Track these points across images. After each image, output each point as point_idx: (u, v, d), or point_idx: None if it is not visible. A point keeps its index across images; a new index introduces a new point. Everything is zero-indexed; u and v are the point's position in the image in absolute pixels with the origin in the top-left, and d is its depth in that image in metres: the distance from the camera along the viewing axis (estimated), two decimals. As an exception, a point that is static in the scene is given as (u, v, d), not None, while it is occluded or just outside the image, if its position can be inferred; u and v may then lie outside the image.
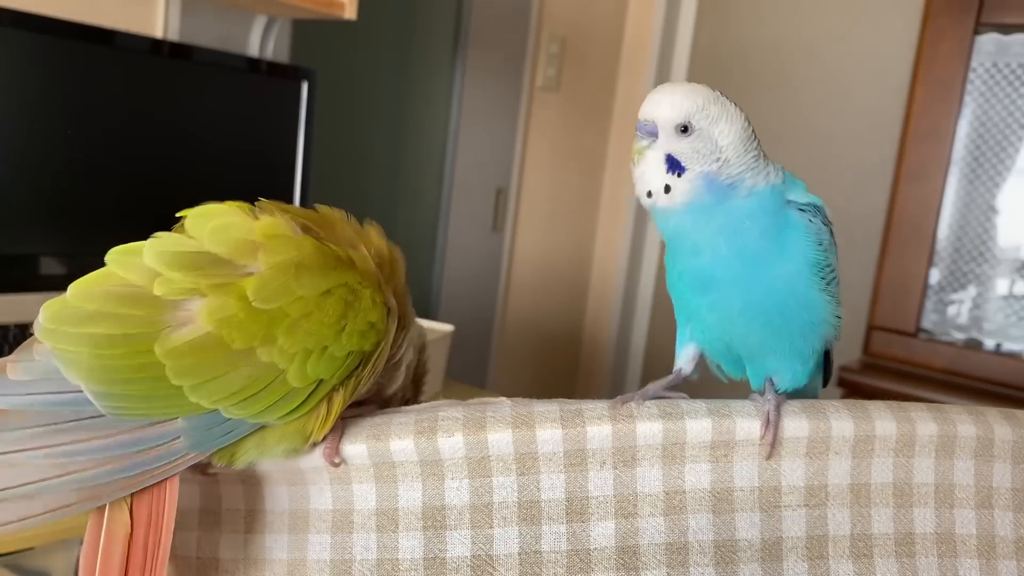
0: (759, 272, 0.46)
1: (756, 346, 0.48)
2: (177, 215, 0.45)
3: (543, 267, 2.11)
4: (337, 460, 0.46)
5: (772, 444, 0.46)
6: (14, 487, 0.39)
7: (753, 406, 0.47)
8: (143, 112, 1.15)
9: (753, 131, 0.48)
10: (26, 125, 1.04)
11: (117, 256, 0.43)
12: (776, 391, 0.48)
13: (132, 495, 0.42)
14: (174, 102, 1.18)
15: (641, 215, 2.21)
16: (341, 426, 0.47)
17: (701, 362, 0.51)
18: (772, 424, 0.46)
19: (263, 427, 0.44)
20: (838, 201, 1.92)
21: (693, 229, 0.46)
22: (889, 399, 0.50)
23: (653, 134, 0.46)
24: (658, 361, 2.25)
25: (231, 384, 0.42)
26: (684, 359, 0.51)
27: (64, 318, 0.41)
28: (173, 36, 1.28)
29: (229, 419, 0.42)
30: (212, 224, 0.43)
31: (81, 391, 0.41)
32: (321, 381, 0.44)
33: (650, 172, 0.46)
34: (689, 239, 0.47)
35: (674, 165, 0.46)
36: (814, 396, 0.53)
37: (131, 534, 0.42)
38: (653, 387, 0.48)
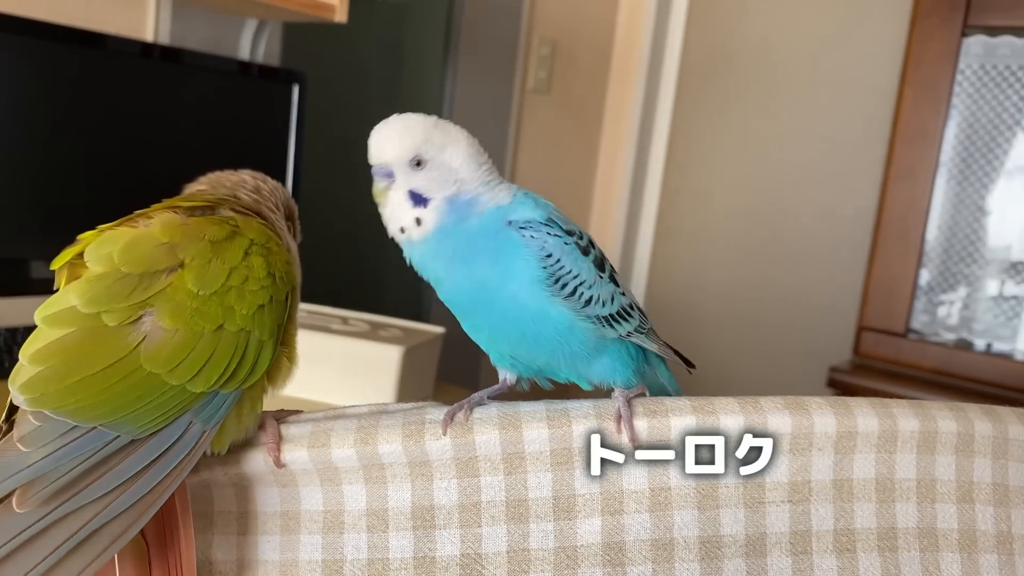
0: (488, 294, 0.48)
1: (534, 358, 0.50)
2: (52, 266, 0.47)
3: (535, 269, 2.11)
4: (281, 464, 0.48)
5: (632, 440, 0.47)
6: (76, 533, 0.40)
7: (738, 403, 0.48)
8: (134, 115, 1.15)
9: (481, 150, 0.50)
10: (17, 129, 1.04)
11: (48, 315, 0.44)
12: (626, 389, 0.50)
13: None
14: (165, 106, 1.18)
15: (632, 217, 2.21)
16: (275, 428, 0.49)
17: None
18: (626, 420, 0.47)
19: (241, 399, 0.47)
20: (827, 201, 1.93)
21: (437, 255, 0.48)
22: None
23: (390, 175, 0.48)
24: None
25: (220, 363, 0.45)
26: (504, 371, 0.53)
27: (42, 383, 0.42)
28: (164, 39, 1.28)
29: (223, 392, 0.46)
30: (116, 249, 0.45)
31: (96, 427, 0.42)
32: (280, 326, 0.48)
33: (398, 211, 0.48)
34: (433, 267, 0.48)
35: (418, 199, 0.48)
36: (666, 391, 0.55)
37: (148, 552, 0.45)
38: (479, 395, 0.50)
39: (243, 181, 0.54)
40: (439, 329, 1.30)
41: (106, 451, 0.42)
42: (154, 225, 0.46)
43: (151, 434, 0.43)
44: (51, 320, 0.44)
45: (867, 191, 1.81)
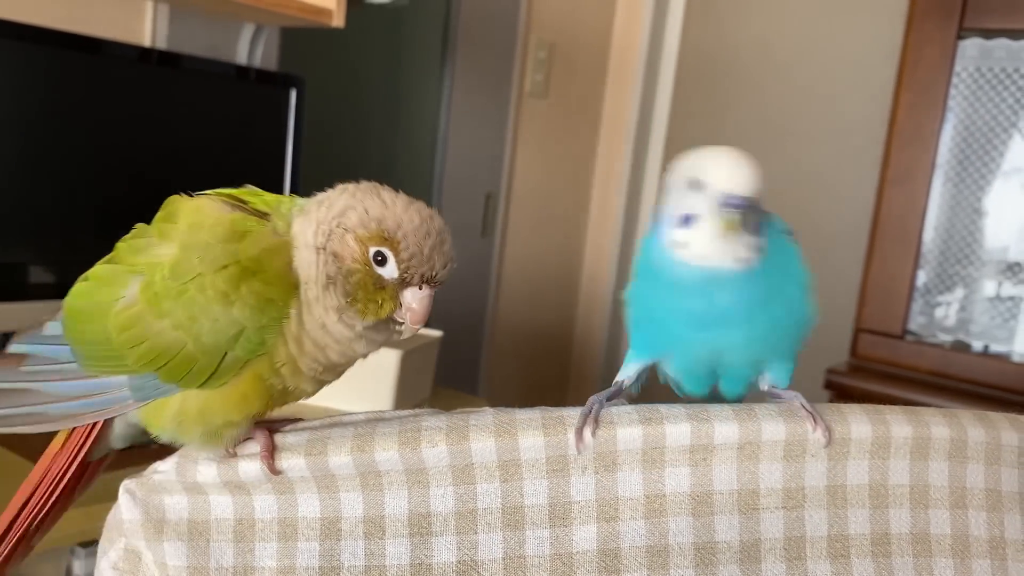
0: (764, 302, 0.47)
1: (750, 365, 0.50)
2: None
3: (533, 272, 2.11)
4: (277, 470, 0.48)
5: (829, 433, 0.48)
6: (30, 403, 0.49)
7: (733, 410, 0.48)
8: (131, 121, 1.15)
9: None
10: (14, 134, 1.04)
11: (124, 242, 0.50)
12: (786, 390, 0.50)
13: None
14: (162, 111, 1.18)
15: (630, 220, 2.22)
16: (267, 438, 0.48)
17: (643, 376, 0.53)
18: (816, 415, 0.48)
19: (184, 400, 0.48)
20: (824, 204, 1.93)
21: (749, 279, 0.46)
22: (876, 401, 0.51)
23: (743, 207, 0.45)
24: (648, 365, 2.25)
25: (151, 352, 0.47)
26: (629, 373, 0.52)
27: (75, 292, 0.50)
28: (161, 45, 1.29)
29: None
30: (169, 211, 0.50)
31: (67, 344, 0.49)
32: (227, 355, 0.45)
33: (743, 243, 0.46)
34: (735, 293, 0.46)
35: (756, 231, 0.46)
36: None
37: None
38: (597, 401, 0.49)
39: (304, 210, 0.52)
40: (437, 333, 1.30)
41: (69, 366, 0.49)
42: (199, 206, 0.48)
43: (93, 376, 0.48)
44: (122, 245, 0.50)
45: (864, 193, 1.81)
